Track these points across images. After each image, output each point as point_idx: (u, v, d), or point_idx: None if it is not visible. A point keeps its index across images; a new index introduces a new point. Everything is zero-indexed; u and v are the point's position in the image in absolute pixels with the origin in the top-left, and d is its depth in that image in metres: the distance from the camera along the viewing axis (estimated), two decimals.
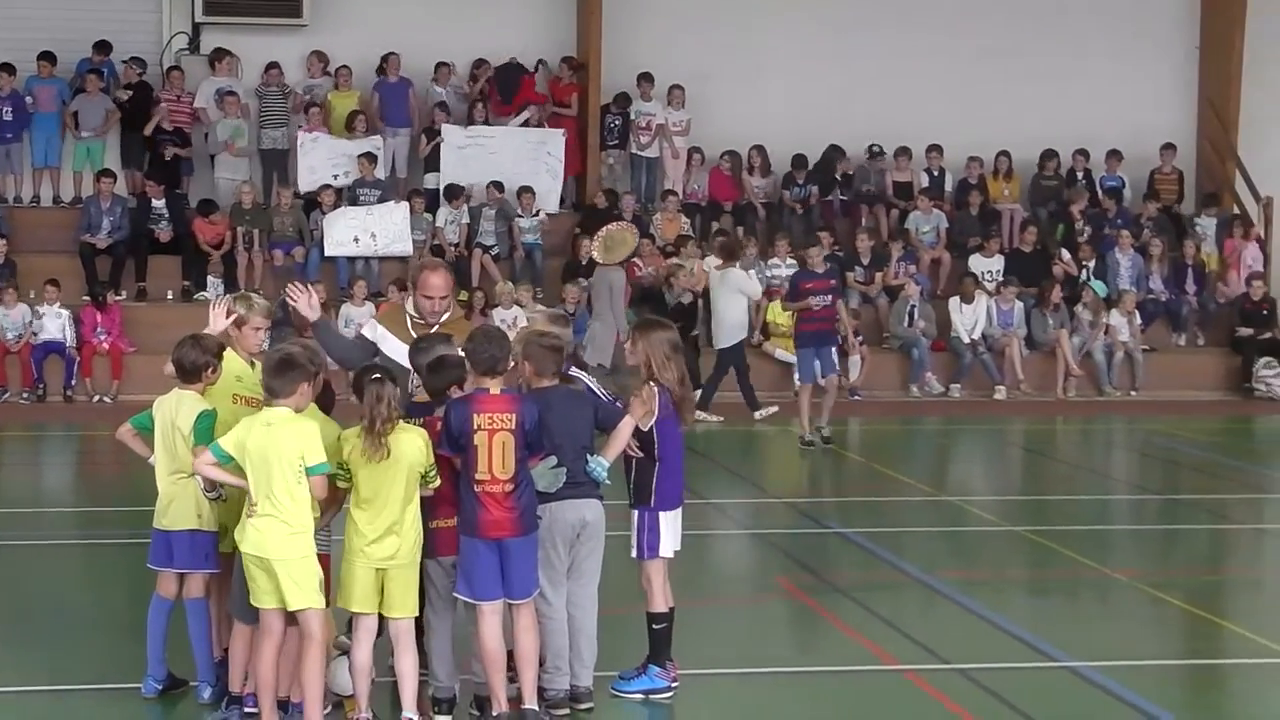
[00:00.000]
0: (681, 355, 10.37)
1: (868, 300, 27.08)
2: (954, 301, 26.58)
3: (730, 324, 23.07)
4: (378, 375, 9.41)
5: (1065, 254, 27.52)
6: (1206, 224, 29.13)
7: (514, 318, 23.35)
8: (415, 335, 10.39)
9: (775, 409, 23.26)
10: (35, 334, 24.26)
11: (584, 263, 25.90)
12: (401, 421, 9.36)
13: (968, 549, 15.81)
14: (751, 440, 22.49)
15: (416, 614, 9.58)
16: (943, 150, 28.83)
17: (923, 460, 21.68)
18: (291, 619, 9.26)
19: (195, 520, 9.82)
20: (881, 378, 25.91)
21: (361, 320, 22.75)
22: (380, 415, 9.21)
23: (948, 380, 26.16)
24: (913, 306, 26.16)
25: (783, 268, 26.52)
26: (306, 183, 26.76)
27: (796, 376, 21.31)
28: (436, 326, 10.53)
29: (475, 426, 9.39)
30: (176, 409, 9.88)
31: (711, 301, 24.25)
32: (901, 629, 12.19)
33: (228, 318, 10.29)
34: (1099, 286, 27.01)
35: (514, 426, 9.43)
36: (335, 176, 26.77)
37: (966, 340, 26.23)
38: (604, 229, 22.69)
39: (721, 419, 22.93)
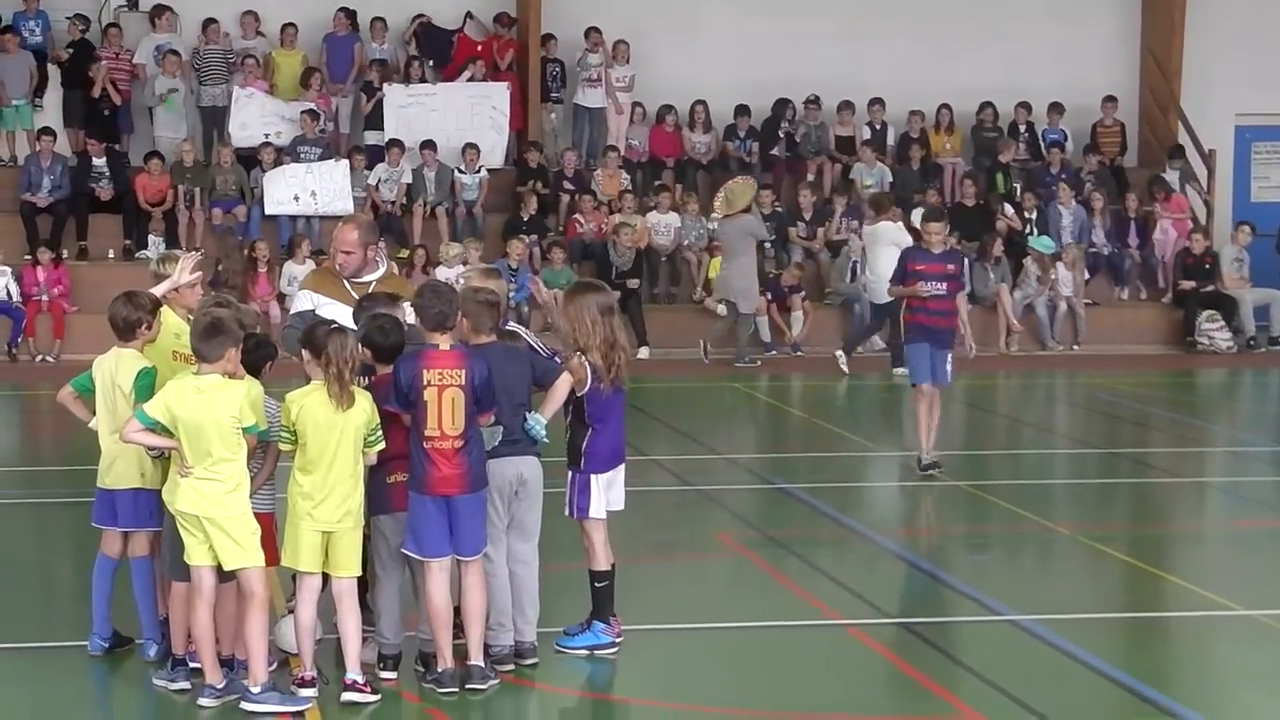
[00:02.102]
0: (612, 318, 10.25)
1: (810, 256, 27.10)
2: None
3: (885, 277, 22.96)
4: (338, 326, 9.42)
5: (1009, 209, 27.58)
6: (1171, 177, 29.08)
7: (458, 276, 23.28)
8: (355, 295, 10.34)
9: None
10: None
11: (526, 218, 25.89)
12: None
13: (910, 504, 15.88)
14: (692, 396, 22.50)
15: (360, 573, 9.58)
16: (885, 104, 28.80)
17: (865, 416, 21.75)
18: (228, 576, 9.26)
19: (139, 479, 9.80)
20: (824, 333, 25.91)
21: (298, 277, 22.76)
22: (346, 363, 9.22)
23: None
24: (854, 262, 26.17)
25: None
26: (239, 138, 26.62)
27: (908, 377, 16.55)
28: (374, 285, 10.47)
29: (425, 383, 9.38)
30: (116, 368, 9.85)
31: (867, 257, 24.47)
32: (844, 584, 12.25)
33: (192, 274, 10.26)
34: (1045, 243, 27.06)
35: (464, 383, 9.42)
36: (267, 135, 26.63)
37: None
38: (726, 184, 24.83)
39: (848, 373, 23.00)
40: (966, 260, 24.41)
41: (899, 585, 12.45)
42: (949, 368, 16.06)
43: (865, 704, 9.72)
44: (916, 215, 26.81)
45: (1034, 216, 27.62)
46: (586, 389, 10.09)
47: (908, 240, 22.38)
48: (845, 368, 23.62)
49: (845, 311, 26.26)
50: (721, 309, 25.01)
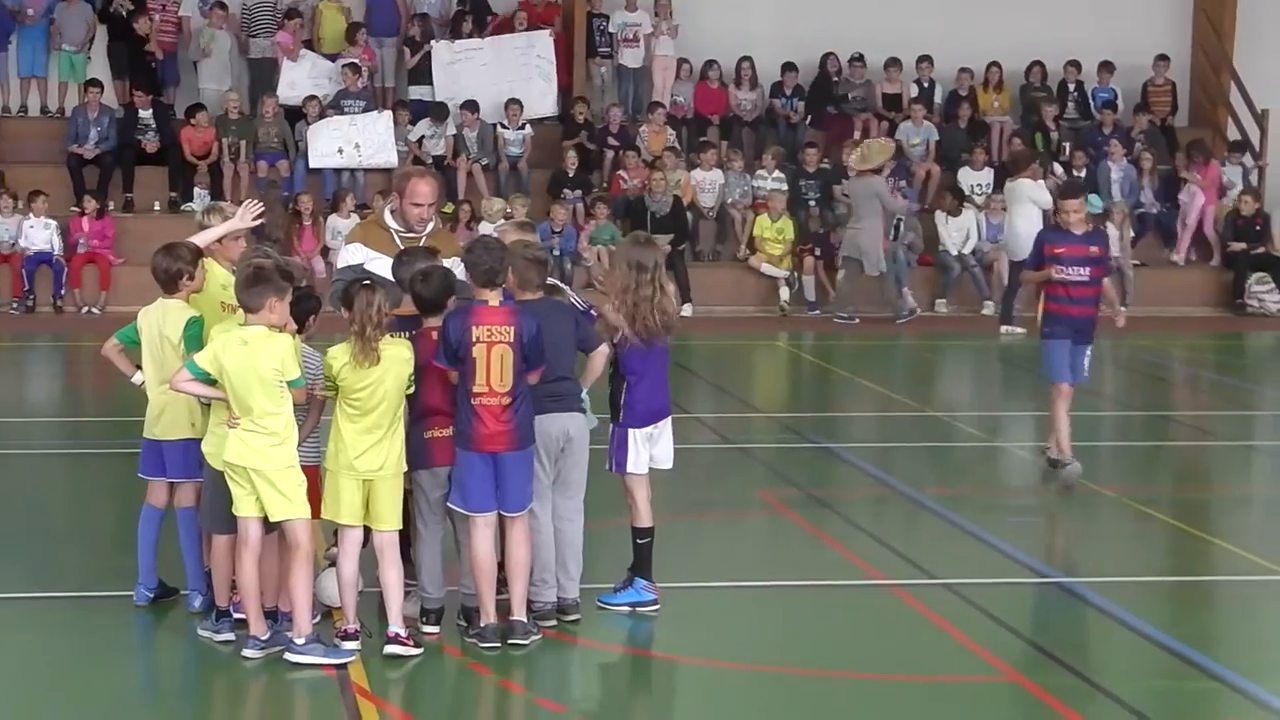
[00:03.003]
0: (652, 273, 10.17)
1: None
2: (940, 215, 26.42)
3: (1025, 235, 22.78)
4: (368, 283, 9.40)
5: (1058, 168, 27.34)
6: (1233, 173, 28.65)
7: (500, 231, 23.24)
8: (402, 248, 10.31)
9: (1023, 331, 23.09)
10: (27, 246, 24.14)
11: (571, 174, 25.86)
12: (387, 335, 9.34)
13: (954, 464, 15.83)
14: (736, 354, 22.46)
15: (401, 527, 9.60)
16: (933, 61, 28.59)
17: (910, 376, 21.65)
18: (273, 528, 9.27)
19: (189, 429, 9.82)
20: (869, 292, 25.77)
21: (342, 231, 22.78)
22: (371, 321, 9.20)
23: (934, 295, 26.08)
24: (899, 221, 26.03)
25: (769, 181, 26.46)
26: (286, 96, 26.59)
27: (1044, 375, 14.66)
28: (423, 239, 10.43)
29: (474, 339, 9.36)
30: (163, 319, 9.86)
31: (1007, 214, 24.51)
32: (887, 543, 12.22)
33: (254, 220, 10.26)
34: (1092, 202, 26.83)
35: (512, 339, 9.40)
36: (312, 97, 26.60)
37: (954, 254, 26.13)
38: (865, 140, 25.19)
39: (1024, 331, 22.76)
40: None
41: (942, 546, 12.37)
42: (1086, 362, 14.33)
43: (909, 664, 9.68)
44: (964, 174, 26.95)
45: (1083, 175, 27.37)
46: (620, 337, 10.05)
47: (1047, 199, 22.37)
48: (1012, 330, 23.56)
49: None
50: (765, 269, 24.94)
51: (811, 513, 13.21)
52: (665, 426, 10.38)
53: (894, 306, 24.85)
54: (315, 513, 9.44)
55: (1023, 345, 22.17)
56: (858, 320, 24.41)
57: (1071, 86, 29.07)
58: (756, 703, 9.08)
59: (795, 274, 25.58)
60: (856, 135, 27.79)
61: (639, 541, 10.33)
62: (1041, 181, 23.79)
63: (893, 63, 28.47)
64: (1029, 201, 23.39)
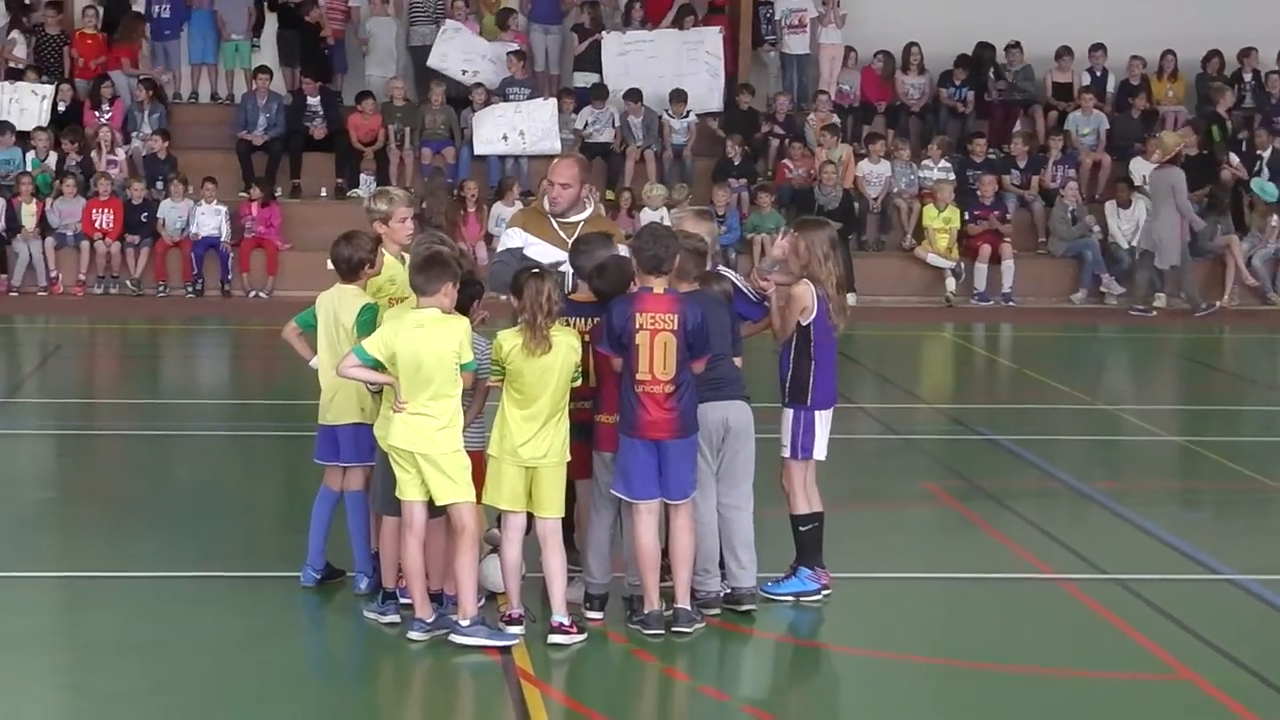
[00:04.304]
0: (840, 254, 10.22)
1: (1024, 205, 26.64)
2: (1110, 206, 26.05)
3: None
4: (537, 271, 9.39)
5: (1234, 158, 26.80)
6: None
7: (662, 219, 23.24)
8: (564, 236, 10.29)
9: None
10: (196, 231, 24.47)
11: (735, 162, 25.80)
12: (556, 323, 9.34)
13: (1122, 457, 15.60)
14: (901, 344, 22.28)
15: (564, 514, 9.59)
16: (1106, 50, 28.16)
17: (1078, 367, 21.31)
18: (438, 512, 9.29)
19: (358, 414, 9.87)
20: (1039, 283, 25.54)
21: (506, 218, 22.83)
22: (541, 309, 9.20)
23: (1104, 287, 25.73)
24: (1072, 210, 25.71)
25: (935, 170, 26.22)
26: (436, 61, 26.71)
27: None
28: (581, 226, 10.40)
29: (637, 326, 9.33)
30: (338, 304, 9.92)
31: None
32: (1055, 537, 12.03)
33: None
34: (1268, 190, 26.31)
35: (676, 327, 9.36)
36: (464, 71, 26.75)
37: (1125, 245, 25.74)
38: (1160, 132, 25.35)
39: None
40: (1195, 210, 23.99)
41: (1111, 540, 12.16)
42: None
43: (1077, 660, 9.51)
44: (1136, 164, 26.49)
45: (1267, 154, 26.67)
46: (812, 318, 9.97)
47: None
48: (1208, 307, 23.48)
49: (1067, 260, 25.78)
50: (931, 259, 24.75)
51: (977, 504, 13.05)
52: (832, 413, 10.31)
53: (1189, 299, 24.54)
54: (479, 497, 9.45)
55: (1198, 338, 21.82)
56: (1154, 313, 24.20)
57: (1248, 75, 28.46)
58: (920, 695, 9.00)
59: (961, 264, 25.32)
60: (1018, 125, 27.50)
61: (801, 529, 10.25)
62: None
63: (1064, 51, 28.06)
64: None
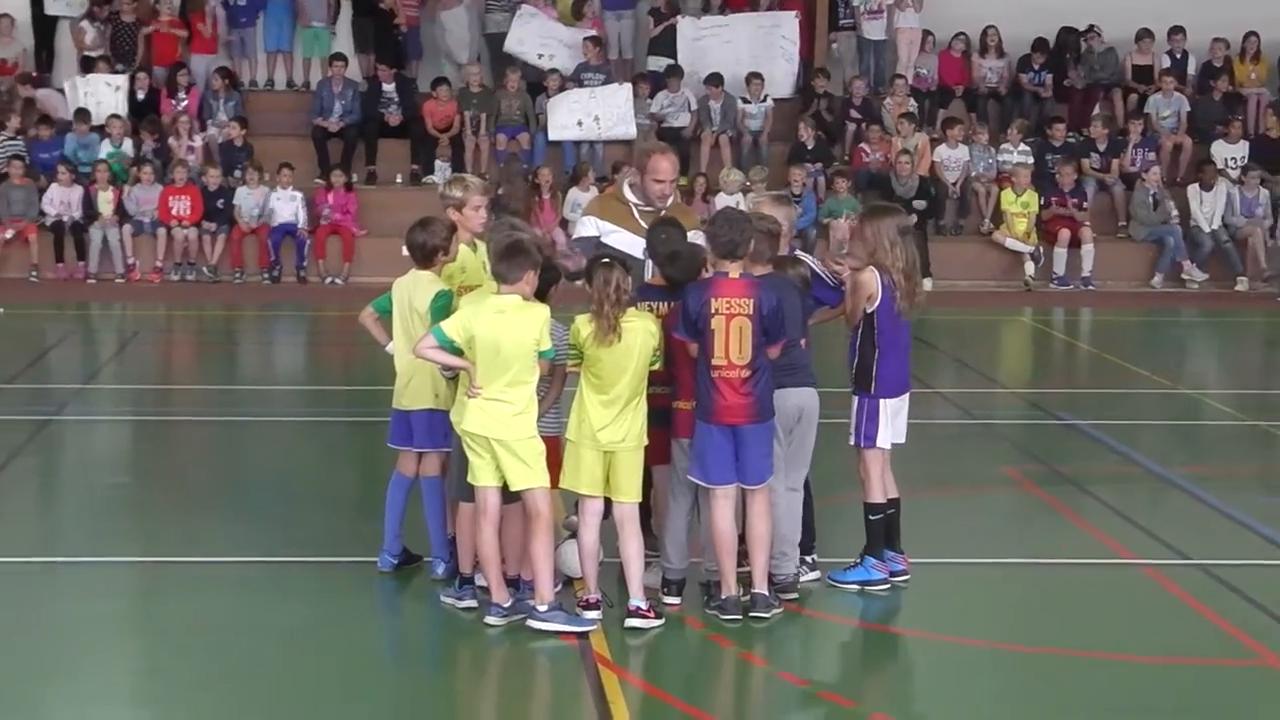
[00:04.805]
0: (910, 240, 10.11)
1: (1104, 188, 26.41)
2: (1193, 189, 25.81)
3: None
4: (607, 260, 9.36)
5: None
6: None
7: (737, 204, 23.14)
8: (644, 224, 10.23)
9: None
10: (271, 215, 24.56)
11: (809, 146, 25.73)
12: (633, 308, 9.28)
13: (1204, 442, 15.43)
14: (979, 329, 22.14)
15: (641, 499, 9.55)
16: (1186, 32, 27.88)
17: (1159, 352, 21.14)
18: (514, 497, 9.27)
19: (433, 400, 9.86)
20: (1118, 267, 25.33)
21: (581, 204, 22.83)
22: (609, 299, 9.16)
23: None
24: (1154, 194, 25.48)
25: (1014, 154, 26.03)
26: (512, 46, 26.76)
27: None
28: (662, 211, 10.35)
29: (712, 311, 9.28)
30: (413, 290, 9.90)
31: None
32: (1136, 522, 11.91)
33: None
34: None
35: (751, 312, 9.29)
36: (541, 55, 26.73)
37: (1206, 229, 25.49)
38: None
39: None
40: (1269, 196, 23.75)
41: (1193, 525, 12.03)
42: None
43: (1160, 646, 9.43)
44: (1217, 147, 26.20)
45: None
46: (877, 305, 9.88)
47: None
48: None
49: (1147, 245, 25.56)
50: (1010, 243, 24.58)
51: (1057, 489, 12.92)
52: (907, 400, 10.22)
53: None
54: (554, 482, 9.42)
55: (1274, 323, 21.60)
56: None
57: None
58: (999, 681, 8.92)
59: (1040, 248, 25.13)
60: (1097, 108, 27.27)
61: (871, 519, 10.16)
62: None
63: (1144, 34, 27.80)
64: None
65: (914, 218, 10.03)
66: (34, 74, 26.49)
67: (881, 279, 9.91)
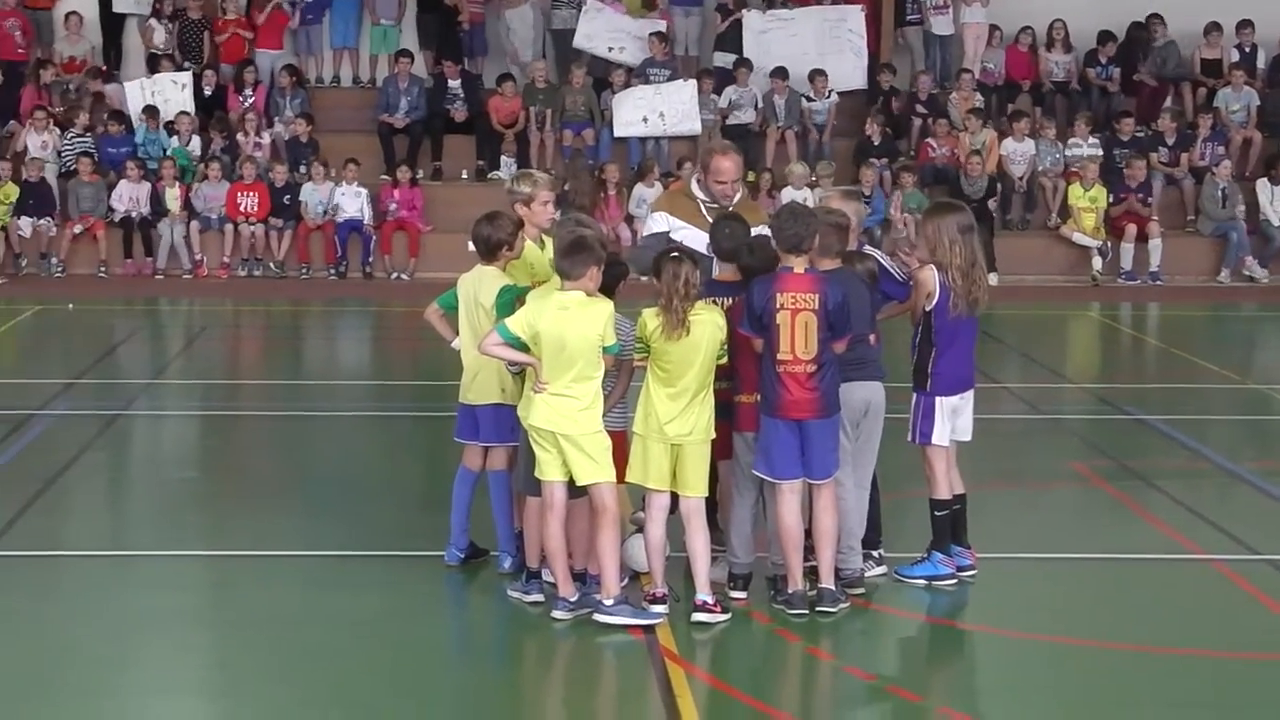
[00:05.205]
0: (972, 237, 10.01)
1: (1172, 182, 26.23)
2: (1262, 183, 25.62)
3: None
4: (676, 254, 9.35)
5: None
6: None
7: (804, 199, 23.09)
8: (710, 220, 10.21)
9: None
10: (337, 211, 24.64)
11: (876, 142, 25.66)
12: (700, 302, 9.28)
13: (1272, 437, 15.33)
14: (1046, 324, 22.02)
15: (707, 493, 9.54)
16: (1254, 25, 27.66)
17: (1228, 347, 20.99)
18: (580, 492, 9.27)
19: (499, 394, 9.87)
20: (1186, 262, 25.16)
21: (647, 199, 22.89)
22: (678, 293, 9.15)
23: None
24: (1223, 189, 25.29)
25: (1084, 147, 25.88)
26: (581, 42, 26.80)
27: None
28: (730, 208, 10.34)
29: (778, 305, 9.26)
30: (478, 285, 9.92)
31: None
32: (1205, 517, 11.83)
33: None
34: None
35: (817, 307, 9.27)
36: (610, 49, 26.75)
37: (1276, 223, 25.30)
38: None
39: None
40: None
41: (1263, 520, 11.94)
42: None
43: (1229, 641, 9.36)
44: None
45: None
46: (934, 304, 9.84)
47: None
48: None
49: (1214, 239, 25.38)
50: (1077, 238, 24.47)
51: (1125, 484, 12.86)
52: (969, 398, 10.16)
53: None
54: (620, 477, 9.42)
55: None
56: None
57: None
58: (1067, 677, 8.86)
59: (1108, 243, 24.99)
60: (1168, 101, 27.08)
61: (937, 514, 10.13)
62: None
63: (1213, 27, 27.60)
64: None
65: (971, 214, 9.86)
66: (103, 68, 26.65)
67: (940, 277, 9.87)
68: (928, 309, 9.91)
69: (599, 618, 9.23)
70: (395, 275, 24.58)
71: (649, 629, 9.18)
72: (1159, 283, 24.78)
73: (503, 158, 25.86)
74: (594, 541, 9.29)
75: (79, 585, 10.19)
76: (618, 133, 26.02)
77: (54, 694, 8.37)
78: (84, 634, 9.22)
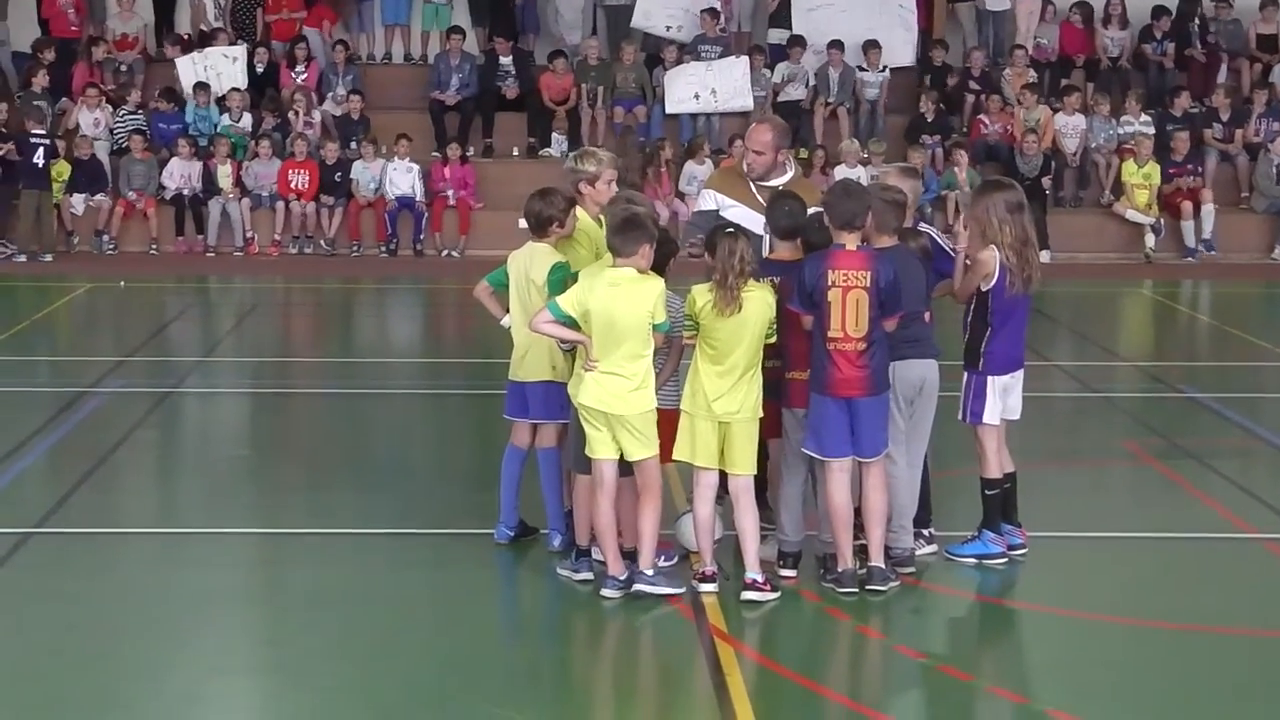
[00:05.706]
0: (1022, 215, 9.93)
1: (1227, 158, 26.05)
2: None
3: None
4: (731, 230, 9.33)
5: None
6: None
7: (856, 176, 23.00)
8: (761, 200, 10.19)
9: None
10: (390, 190, 24.67)
11: (929, 119, 25.56)
12: (751, 280, 9.26)
13: None
14: (1099, 301, 21.91)
15: (755, 472, 9.52)
16: None
17: None
18: (629, 470, 9.27)
19: (549, 372, 9.86)
20: (1240, 239, 25.00)
21: (698, 176, 22.86)
22: (733, 269, 9.14)
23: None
24: (1278, 165, 25.11)
25: (1135, 124, 25.73)
26: (639, 21, 26.77)
27: None
28: (780, 186, 10.29)
29: (829, 283, 9.23)
30: (530, 262, 9.89)
31: None
32: (1258, 496, 11.76)
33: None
34: None
35: (869, 284, 9.24)
36: (669, 28, 26.70)
37: None
38: None
39: None
40: None
41: None
42: None
43: None
44: None
45: None
46: (992, 285, 9.79)
47: None
48: None
49: (1269, 216, 25.20)
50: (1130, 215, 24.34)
51: (1178, 463, 12.79)
52: (1020, 377, 10.11)
53: None
54: (665, 456, 9.41)
55: None
56: None
57: None
58: (1119, 656, 8.81)
59: (1161, 220, 24.83)
60: (1221, 78, 26.88)
61: (987, 493, 10.09)
62: None
63: (1269, 2, 27.36)
64: None
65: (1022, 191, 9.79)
66: (158, 45, 26.77)
67: (999, 257, 9.82)
68: (985, 289, 9.86)
69: (638, 586, 9.26)
70: (445, 253, 24.61)
71: (696, 604, 9.17)
72: (1212, 252, 24.60)
73: (554, 135, 25.87)
74: (636, 514, 9.29)
75: (131, 562, 10.25)
76: (669, 109, 25.99)
77: (108, 672, 8.41)
78: (137, 611, 9.27)
